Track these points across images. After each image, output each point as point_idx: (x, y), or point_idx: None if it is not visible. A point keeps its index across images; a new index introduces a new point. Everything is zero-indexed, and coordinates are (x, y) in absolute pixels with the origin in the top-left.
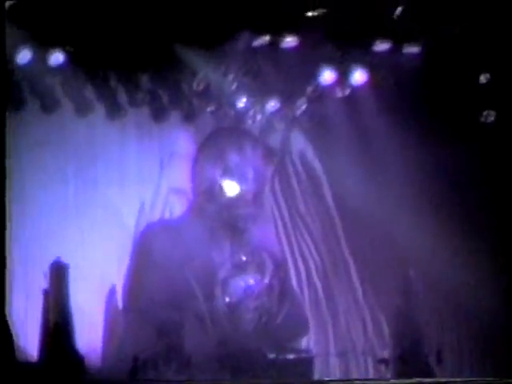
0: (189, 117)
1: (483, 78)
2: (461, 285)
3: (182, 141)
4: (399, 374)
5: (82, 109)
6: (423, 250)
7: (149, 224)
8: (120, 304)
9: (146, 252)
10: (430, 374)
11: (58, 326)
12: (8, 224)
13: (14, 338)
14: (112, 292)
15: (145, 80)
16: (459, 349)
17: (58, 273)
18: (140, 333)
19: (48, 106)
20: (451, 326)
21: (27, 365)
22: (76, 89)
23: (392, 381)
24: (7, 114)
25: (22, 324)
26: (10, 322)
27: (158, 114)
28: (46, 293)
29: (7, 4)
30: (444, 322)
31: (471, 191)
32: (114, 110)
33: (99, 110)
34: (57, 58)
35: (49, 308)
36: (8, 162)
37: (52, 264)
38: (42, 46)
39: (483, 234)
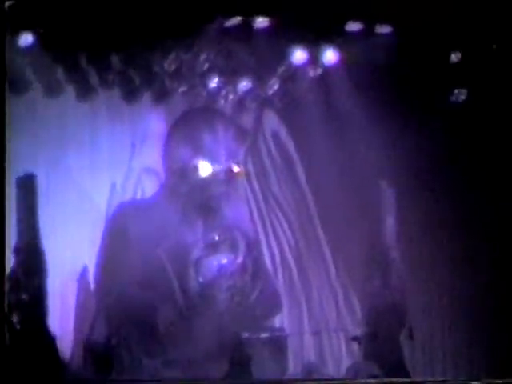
0: (160, 97)
1: (454, 57)
2: (438, 266)
3: (153, 121)
4: (370, 352)
5: (53, 90)
6: (397, 229)
7: (120, 205)
8: (92, 285)
9: (118, 233)
10: (400, 351)
11: (30, 306)
12: None
13: None
14: (84, 274)
15: (116, 61)
16: (431, 329)
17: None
18: (112, 314)
19: (17, 88)
20: (424, 304)
21: None
22: (46, 70)
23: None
24: None
25: None
26: None
27: (130, 95)
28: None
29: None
30: (417, 300)
31: (445, 171)
32: (85, 92)
33: (70, 91)
34: (26, 39)
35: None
36: None
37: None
38: (12, 26)
39: (458, 214)
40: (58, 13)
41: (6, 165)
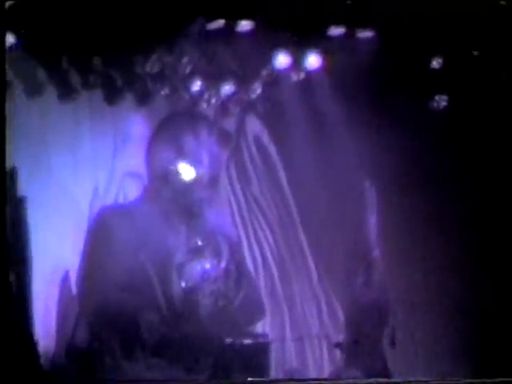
0: (143, 100)
1: (436, 63)
2: (421, 265)
3: (136, 124)
4: (352, 357)
5: (34, 91)
6: (381, 235)
7: (103, 209)
8: (74, 289)
9: (100, 237)
10: (382, 357)
11: (8, 310)
12: None
13: None
14: (66, 278)
15: (98, 62)
16: (414, 335)
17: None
18: (95, 318)
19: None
20: (408, 310)
21: None
22: (27, 71)
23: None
24: None
25: None
26: None
27: (112, 97)
28: None
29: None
30: (401, 305)
31: (427, 172)
32: (67, 93)
33: (51, 92)
34: (8, 39)
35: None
36: None
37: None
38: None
39: (441, 213)
40: (39, 13)
41: None
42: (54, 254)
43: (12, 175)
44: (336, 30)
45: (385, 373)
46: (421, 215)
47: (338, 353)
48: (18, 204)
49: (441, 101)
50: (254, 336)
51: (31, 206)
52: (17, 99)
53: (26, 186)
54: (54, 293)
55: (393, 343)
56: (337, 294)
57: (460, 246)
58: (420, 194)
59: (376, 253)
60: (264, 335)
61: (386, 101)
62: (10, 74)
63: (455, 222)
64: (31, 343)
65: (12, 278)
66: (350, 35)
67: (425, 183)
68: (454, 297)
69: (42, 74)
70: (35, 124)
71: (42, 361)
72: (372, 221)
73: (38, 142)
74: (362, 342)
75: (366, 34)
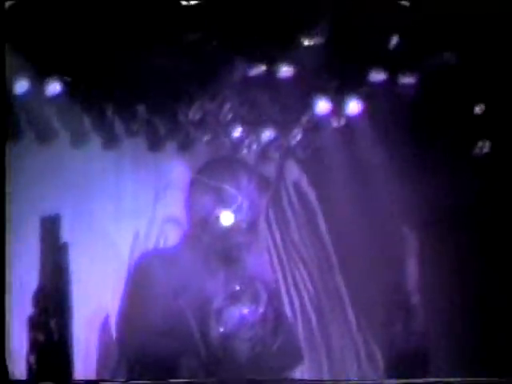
0: (185, 146)
1: (478, 109)
2: (464, 312)
3: (177, 170)
4: None
5: (79, 139)
6: (420, 281)
7: (143, 254)
8: (114, 335)
9: (140, 282)
10: None
11: (50, 352)
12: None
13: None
14: (106, 322)
15: (141, 110)
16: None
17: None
18: (134, 363)
19: (44, 136)
20: (450, 355)
21: None
22: (72, 119)
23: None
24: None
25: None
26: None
27: (154, 144)
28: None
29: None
30: (442, 350)
31: (469, 223)
32: (110, 141)
33: (95, 140)
34: (54, 87)
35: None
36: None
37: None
38: (39, 75)
39: (482, 263)
40: (84, 62)
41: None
42: (95, 300)
43: (54, 222)
44: (377, 76)
45: None
46: (461, 261)
47: None
48: (60, 250)
49: (483, 147)
50: (292, 382)
51: (73, 252)
52: (61, 147)
53: (68, 232)
54: (95, 338)
55: None
56: (375, 341)
57: (505, 291)
58: (461, 240)
59: (415, 299)
60: (302, 380)
61: (427, 147)
62: (55, 123)
63: (497, 268)
64: None
65: (53, 323)
66: (390, 81)
67: (466, 229)
68: (500, 345)
69: (86, 122)
70: (78, 171)
71: None
72: (411, 267)
73: (81, 188)
74: None
75: (406, 79)
